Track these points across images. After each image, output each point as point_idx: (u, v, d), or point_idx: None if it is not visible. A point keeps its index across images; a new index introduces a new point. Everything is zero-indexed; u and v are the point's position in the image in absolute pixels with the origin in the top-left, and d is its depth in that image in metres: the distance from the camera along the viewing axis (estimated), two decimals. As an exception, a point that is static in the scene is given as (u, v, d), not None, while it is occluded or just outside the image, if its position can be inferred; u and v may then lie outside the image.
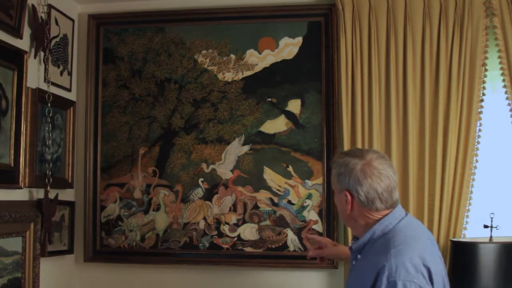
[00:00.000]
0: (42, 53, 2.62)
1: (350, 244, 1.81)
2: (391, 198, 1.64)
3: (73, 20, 2.94)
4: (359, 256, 1.69)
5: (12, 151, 2.35)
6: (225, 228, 2.83)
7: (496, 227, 2.45)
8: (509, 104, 2.63)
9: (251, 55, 2.89)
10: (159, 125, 2.94)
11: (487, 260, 2.32)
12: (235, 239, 2.82)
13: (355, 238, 1.76)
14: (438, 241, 2.58)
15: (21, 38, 2.43)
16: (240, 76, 2.89)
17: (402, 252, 1.53)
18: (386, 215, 1.64)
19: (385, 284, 1.48)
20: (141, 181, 2.92)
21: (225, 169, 2.86)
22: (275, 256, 2.77)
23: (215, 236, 2.83)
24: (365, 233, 1.66)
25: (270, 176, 2.81)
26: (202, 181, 2.87)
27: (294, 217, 2.78)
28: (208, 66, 2.92)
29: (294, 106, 2.83)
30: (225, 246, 2.83)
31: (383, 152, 2.64)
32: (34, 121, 2.50)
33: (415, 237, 1.61)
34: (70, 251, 2.87)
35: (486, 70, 2.67)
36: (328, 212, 2.73)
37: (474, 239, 2.49)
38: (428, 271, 1.53)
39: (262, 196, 2.81)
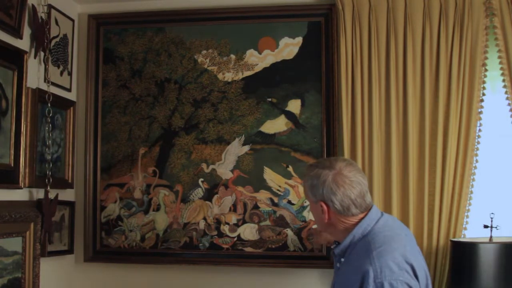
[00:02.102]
0: (42, 53, 2.62)
1: (332, 248, 1.86)
2: (364, 202, 1.71)
3: (73, 20, 2.94)
4: (342, 260, 1.75)
5: (12, 151, 2.35)
6: (225, 228, 2.83)
7: (496, 227, 2.45)
8: (509, 104, 2.63)
9: (251, 55, 2.89)
10: (159, 125, 2.94)
11: (487, 260, 2.32)
12: (235, 239, 2.81)
13: (336, 242, 1.82)
14: (438, 241, 2.58)
15: (21, 38, 2.43)
16: (240, 76, 2.89)
17: (384, 253, 1.58)
18: (363, 218, 1.70)
19: (373, 286, 1.53)
20: (141, 181, 2.92)
21: (225, 169, 2.86)
22: (275, 256, 2.77)
23: (215, 236, 2.83)
24: (345, 238, 1.72)
25: (270, 176, 2.81)
26: (202, 181, 2.87)
27: (294, 217, 2.78)
28: (208, 66, 2.92)
29: (294, 106, 2.83)
30: (225, 246, 2.83)
31: (383, 151, 2.68)
32: (34, 121, 2.50)
33: (394, 236, 1.67)
34: (70, 251, 2.87)
35: (486, 70, 2.66)
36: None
37: (474, 239, 2.49)
38: (412, 267, 1.59)
39: (262, 196, 2.81)
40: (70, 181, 2.85)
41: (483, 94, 2.66)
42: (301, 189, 2.77)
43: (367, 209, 1.72)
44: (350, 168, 1.72)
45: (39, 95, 2.54)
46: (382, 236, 1.65)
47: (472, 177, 2.64)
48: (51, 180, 2.60)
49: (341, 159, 1.75)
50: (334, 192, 1.68)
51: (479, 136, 2.66)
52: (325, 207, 1.71)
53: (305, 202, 2.76)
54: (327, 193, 1.69)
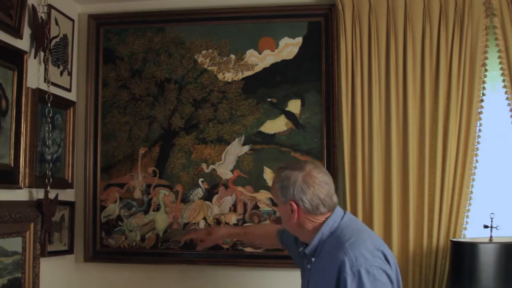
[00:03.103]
0: (42, 53, 2.62)
1: (301, 250, 1.95)
2: (332, 202, 1.82)
3: (73, 20, 2.94)
4: (313, 259, 1.82)
5: (12, 151, 2.35)
6: (225, 228, 2.83)
7: (496, 227, 2.45)
8: (509, 104, 2.63)
9: (251, 55, 2.89)
10: (159, 125, 2.94)
11: (487, 260, 2.32)
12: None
13: (303, 245, 1.90)
14: (438, 241, 2.58)
15: (21, 38, 2.43)
16: (240, 76, 2.89)
17: (356, 243, 1.69)
18: (329, 216, 1.81)
19: (350, 275, 1.62)
20: (141, 181, 2.92)
21: (225, 169, 2.86)
22: (275, 256, 2.77)
23: (215, 236, 2.83)
24: (314, 236, 1.81)
25: (270, 176, 2.81)
26: (202, 181, 2.87)
27: (294, 217, 2.78)
28: (208, 66, 2.92)
29: (294, 106, 2.83)
30: (225, 246, 2.83)
31: (384, 152, 2.68)
32: (34, 121, 2.50)
33: (361, 229, 1.82)
34: (70, 251, 2.87)
35: (486, 70, 2.66)
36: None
37: (474, 239, 2.49)
38: (383, 254, 1.70)
39: (262, 196, 2.81)
40: (70, 181, 2.85)
41: (483, 94, 2.66)
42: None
43: (334, 208, 1.83)
44: (318, 170, 1.83)
45: (39, 95, 2.54)
46: (350, 230, 1.77)
47: (472, 177, 2.64)
48: (51, 180, 2.59)
49: (309, 162, 1.88)
50: (304, 192, 1.78)
51: (479, 136, 2.65)
52: (295, 206, 1.80)
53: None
54: (298, 193, 1.79)
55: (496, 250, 2.33)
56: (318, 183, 1.79)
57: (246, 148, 2.86)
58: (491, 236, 2.45)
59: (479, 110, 2.64)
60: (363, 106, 2.69)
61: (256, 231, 2.61)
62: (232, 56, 2.90)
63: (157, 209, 2.90)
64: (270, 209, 2.80)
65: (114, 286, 2.94)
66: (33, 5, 2.53)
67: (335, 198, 1.84)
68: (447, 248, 2.55)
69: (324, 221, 1.80)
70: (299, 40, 2.85)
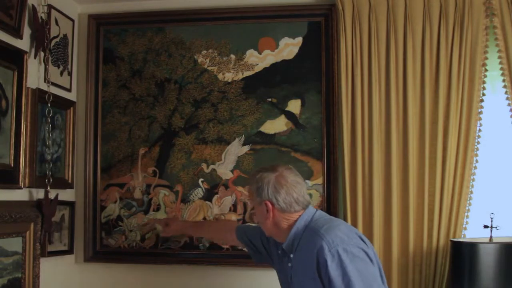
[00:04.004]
0: (42, 53, 2.61)
1: (278, 250, 2.05)
2: (305, 200, 1.94)
3: (73, 20, 2.94)
4: (291, 256, 1.91)
5: (12, 151, 2.34)
6: (225, 228, 2.83)
7: (496, 227, 2.45)
8: (509, 104, 2.63)
9: (251, 55, 2.89)
10: (159, 125, 2.94)
11: (487, 260, 2.32)
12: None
13: (280, 247, 1.99)
14: (438, 241, 2.58)
15: (21, 38, 2.43)
16: (240, 76, 2.89)
17: (330, 228, 1.80)
18: (303, 213, 1.93)
19: (329, 256, 1.71)
20: (141, 181, 2.92)
21: (225, 169, 2.86)
22: (275, 256, 2.77)
23: (215, 236, 2.84)
24: (289, 233, 1.91)
25: (270, 176, 2.81)
26: (202, 181, 2.87)
27: (294, 217, 2.78)
28: (208, 66, 2.92)
29: (294, 106, 2.83)
30: (225, 246, 2.83)
31: (384, 152, 2.68)
32: (34, 121, 2.50)
33: (332, 218, 1.96)
34: (70, 251, 2.87)
35: (486, 70, 2.66)
36: (328, 212, 2.72)
37: (474, 239, 2.49)
38: (358, 236, 1.82)
39: (262, 196, 2.81)
40: (70, 181, 2.85)
41: (483, 94, 2.65)
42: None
43: (307, 206, 1.95)
44: (290, 171, 1.96)
45: (39, 95, 2.54)
46: (323, 220, 1.89)
47: (472, 177, 2.64)
48: (51, 180, 2.59)
49: (281, 165, 2.01)
50: (278, 191, 1.90)
51: (479, 136, 2.65)
52: (270, 205, 1.91)
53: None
54: (272, 193, 1.91)
55: (496, 250, 2.32)
56: (290, 182, 1.91)
57: (246, 148, 2.86)
58: (491, 236, 2.44)
59: (479, 110, 2.64)
60: (363, 106, 2.69)
61: (216, 226, 2.71)
62: (232, 56, 2.90)
63: (157, 209, 2.90)
64: (270, 209, 2.80)
65: (114, 286, 2.94)
66: (33, 5, 2.53)
67: (307, 197, 1.96)
68: (447, 248, 2.55)
69: (298, 218, 1.91)
70: (299, 40, 2.85)
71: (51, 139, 2.67)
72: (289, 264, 1.93)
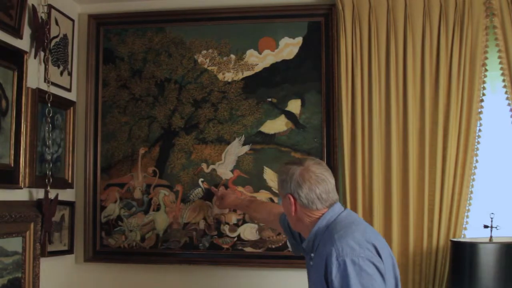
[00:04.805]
0: (42, 53, 2.62)
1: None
2: (329, 198, 1.84)
3: (73, 20, 2.94)
4: (312, 255, 1.84)
5: (12, 151, 2.34)
6: (225, 228, 2.83)
7: (496, 227, 2.45)
8: (509, 104, 2.63)
9: (251, 55, 2.89)
10: (159, 125, 2.94)
11: (487, 260, 2.32)
12: (235, 239, 2.81)
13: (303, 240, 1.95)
14: (438, 241, 2.58)
15: (21, 38, 2.43)
16: (240, 76, 2.89)
17: (344, 235, 1.70)
18: (326, 212, 1.84)
19: (336, 265, 1.63)
20: (141, 181, 2.92)
21: (225, 169, 2.86)
22: (275, 256, 2.77)
23: (215, 236, 2.83)
24: (311, 231, 1.84)
25: (270, 176, 2.81)
26: (202, 181, 2.87)
27: (294, 217, 2.77)
28: (208, 66, 2.92)
29: (294, 106, 2.83)
30: (225, 246, 2.83)
31: (384, 151, 2.68)
32: (34, 121, 2.50)
33: (354, 222, 1.81)
34: (70, 251, 2.87)
35: (486, 70, 2.66)
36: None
37: (474, 239, 2.49)
38: (374, 247, 1.69)
39: (262, 196, 2.81)
40: (70, 181, 2.86)
41: (483, 94, 2.65)
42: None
43: (332, 205, 1.85)
44: (318, 166, 1.86)
45: (39, 95, 2.54)
46: (343, 223, 1.78)
47: (472, 177, 2.64)
48: (51, 180, 2.59)
49: (311, 158, 1.93)
50: (300, 186, 1.82)
51: (479, 136, 2.65)
52: (292, 199, 1.85)
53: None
54: (294, 187, 1.83)
55: (496, 250, 2.32)
56: (315, 178, 1.82)
57: (246, 148, 2.86)
58: (491, 236, 2.45)
59: (479, 110, 2.64)
60: (363, 106, 2.69)
61: (261, 206, 2.60)
62: (232, 56, 2.90)
63: (157, 209, 2.90)
64: (270, 209, 2.80)
65: (114, 286, 2.94)
66: (33, 5, 2.53)
67: (334, 196, 1.86)
68: (447, 248, 2.55)
69: (320, 216, 1.84)
70: (299, 40, 2.85)
71: (51, 139, 2.67)
72: (311, 263, 1.86)
